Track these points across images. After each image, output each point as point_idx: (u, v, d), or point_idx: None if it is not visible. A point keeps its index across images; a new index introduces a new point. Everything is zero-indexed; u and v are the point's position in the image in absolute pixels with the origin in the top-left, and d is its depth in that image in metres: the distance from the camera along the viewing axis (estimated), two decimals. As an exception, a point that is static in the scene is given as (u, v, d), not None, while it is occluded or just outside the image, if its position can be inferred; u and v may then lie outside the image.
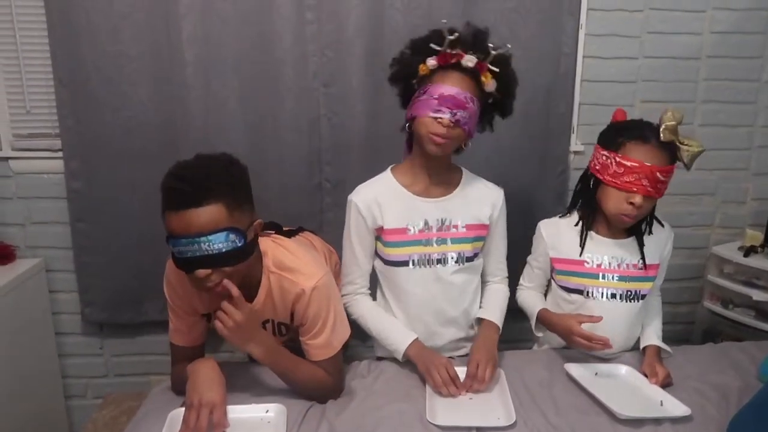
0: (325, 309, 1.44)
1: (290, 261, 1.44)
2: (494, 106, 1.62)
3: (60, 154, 2.15)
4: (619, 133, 1.59)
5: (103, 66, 2.05)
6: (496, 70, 1.53)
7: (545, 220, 1.79)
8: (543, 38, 2.18)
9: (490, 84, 1.54)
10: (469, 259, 1.67)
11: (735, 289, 2.25)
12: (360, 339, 2.38)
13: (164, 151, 2.11)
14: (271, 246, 1.46)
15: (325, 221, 2.25)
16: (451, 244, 1.64)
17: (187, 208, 1.23)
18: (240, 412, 1.39)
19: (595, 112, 2.28)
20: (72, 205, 2.17)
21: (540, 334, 1.77)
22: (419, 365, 1.56)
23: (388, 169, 1.69)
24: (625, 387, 1.55)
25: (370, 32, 2.10)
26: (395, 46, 2.08)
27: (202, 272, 1.27)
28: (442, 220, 1.63)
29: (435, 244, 1.63)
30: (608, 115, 1.72)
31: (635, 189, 1.53)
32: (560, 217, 1.78)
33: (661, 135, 1.53)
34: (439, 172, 1.64)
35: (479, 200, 1.67)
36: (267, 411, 1.40)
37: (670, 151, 1.55)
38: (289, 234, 1.64)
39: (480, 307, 1.74)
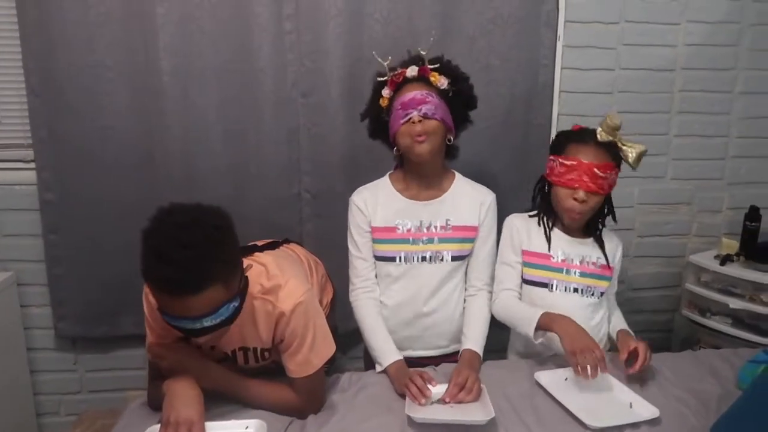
0: (302, 327, 1.41)
1: (270, 284, 1.41)
2: (458, 99, 1.71)
3: (32, 165, 2.11)
4: (563, 139, 1.75)
5: (77, 76, 2.02)
6: (437, 65, 1.67)
7: (516, 214, 1.85)
8: (521, 49, 2.20)
9: (440, 81, 1.67)
10: (455, 259, 1.74)
11: (712, 297, 2.28)
12: (342, 351, 2.37)
13: (140, 161, 2.08)
14: (254, 273, 1.42)
15: (305, 232, 2.23)
16: (438, 243, 1.73)
17: (184, 296, 1.18)
18: (218, 429, 1.35)
19: (574, 123, 2.29)
20: (44, 217, 2.13)
21: (540, 340, 1.70)
22: (396, 382, 1.57)
23: (387, 175, 1.80)
24: (594, 391, 1.55)
25: (349, 42, 2.10)
26: (374, 57, 2.09)
27: (204, 339, 1.31)
28: (430, 220, 1.73)
29: (422, 243, 1.73)
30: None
31: (577, 185, 1.65)
32: (529, 215, 1.83)
33: (598, 135, 1.67)
34: (431, 177, 1.74)
35: (468, 202, 1.76)
36: (246, 427, 1.37)
37: (610, 152, 1.68)
38: (273, 246, 1.62)
39: (463, 323, 1.77)
